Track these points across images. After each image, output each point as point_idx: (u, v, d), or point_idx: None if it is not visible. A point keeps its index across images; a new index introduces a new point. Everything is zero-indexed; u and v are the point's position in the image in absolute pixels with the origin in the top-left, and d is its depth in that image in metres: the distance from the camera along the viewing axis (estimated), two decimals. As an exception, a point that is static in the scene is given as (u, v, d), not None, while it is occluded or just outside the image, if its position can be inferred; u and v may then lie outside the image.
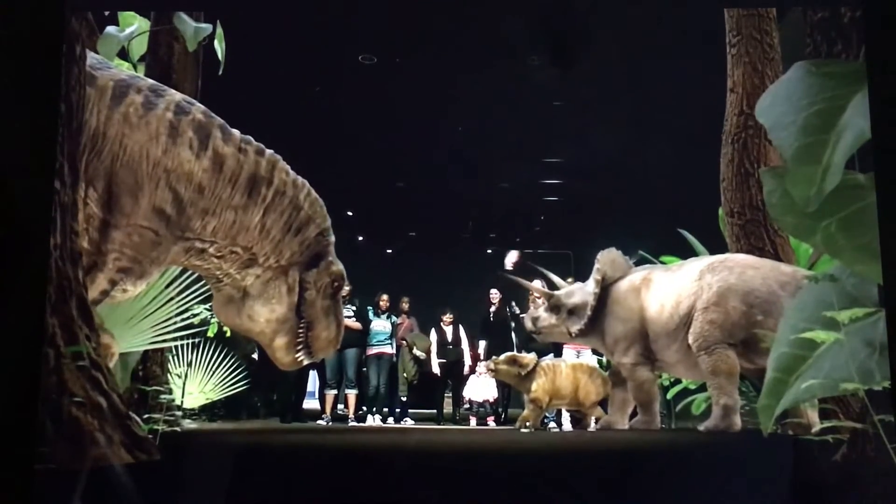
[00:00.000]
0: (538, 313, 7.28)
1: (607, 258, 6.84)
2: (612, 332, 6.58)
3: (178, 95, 4.52)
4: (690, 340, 5.89)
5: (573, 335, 6.91)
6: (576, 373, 7.19)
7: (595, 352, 8.19)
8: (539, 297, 7.67)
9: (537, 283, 7.92)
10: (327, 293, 5.01)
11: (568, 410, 7.91)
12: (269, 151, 4.69)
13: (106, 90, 4.17)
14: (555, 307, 7.12)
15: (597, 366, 7.61)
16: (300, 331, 5.00)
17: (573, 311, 6.96)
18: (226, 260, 4.69)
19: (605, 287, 6.73)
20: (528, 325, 7.39)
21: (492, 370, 7.49)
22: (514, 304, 9.45)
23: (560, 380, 7.14)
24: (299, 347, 5.04)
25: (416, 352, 9.07)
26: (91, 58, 4.02)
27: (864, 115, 2.91)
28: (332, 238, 5.06)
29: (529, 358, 7.31)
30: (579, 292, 7.03)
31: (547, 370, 7.18)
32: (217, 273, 4.80)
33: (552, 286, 7.48)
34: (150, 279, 4.53)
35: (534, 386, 7.10)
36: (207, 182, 4.40)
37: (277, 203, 4.67)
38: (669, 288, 6.22)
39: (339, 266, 5.06)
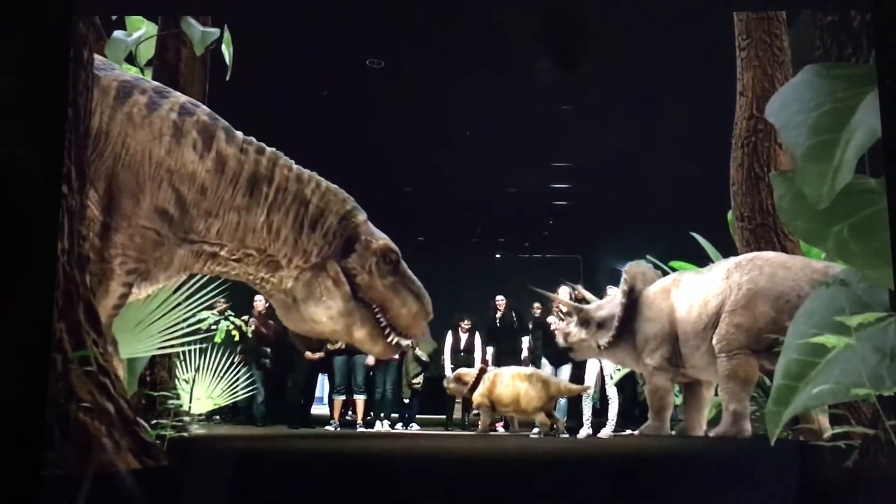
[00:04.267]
0: (569, 329, 7.16)
1: (635, 270, 6.74)
2: (643, 333, 6.45)
3: (182, 97, 4.51)
4: (714, 342, 5.75)
5: (601, 348, 6.81)
6: (515, 381, 7.54)
7: None
8: (565, 309, 7.59)
9: (564, 295, 7.82)
10: (384, 272, 4.89)
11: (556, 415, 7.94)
12: (270, 150, 4.65)
13: (109, 90, 4.18)
14: (584, 321, 7.01)
15: (540, 371, 7.87)
16: (377, 318, 4.92)
17: (602, 325, 6.86)
18: (245, 263, 4.65)
19: (636, 298, 6.64)
20: (560, 341, 7.30)
21: (445, 388, 8.29)
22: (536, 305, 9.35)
23: (500, 388, 7.58)
24: (387, 332, 4.96)
25: (419, 352, 9.02)
26: (95, 59, 4.02)
27: (875, 115, 2.90)
28: (362, 217, 4.93)
29: (471, 373, 7.97)
30: (608, 305, 6.93)
31: (487, 379, 7.74)
32: (250, 278, 4.77)
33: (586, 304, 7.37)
34: (157, 284, 4.50)
35: (475, 394, 7.75)
36: (210, 183, 4.38)
37: (280, 201, 4.61)
38: (698, 288, 6.07)
39: (379, 242, 4.92)
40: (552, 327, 7.82)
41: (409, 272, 5.08)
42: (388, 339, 5.00)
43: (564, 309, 7.56)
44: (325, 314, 4.83)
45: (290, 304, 4.88)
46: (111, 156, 4.13)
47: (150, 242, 4.21)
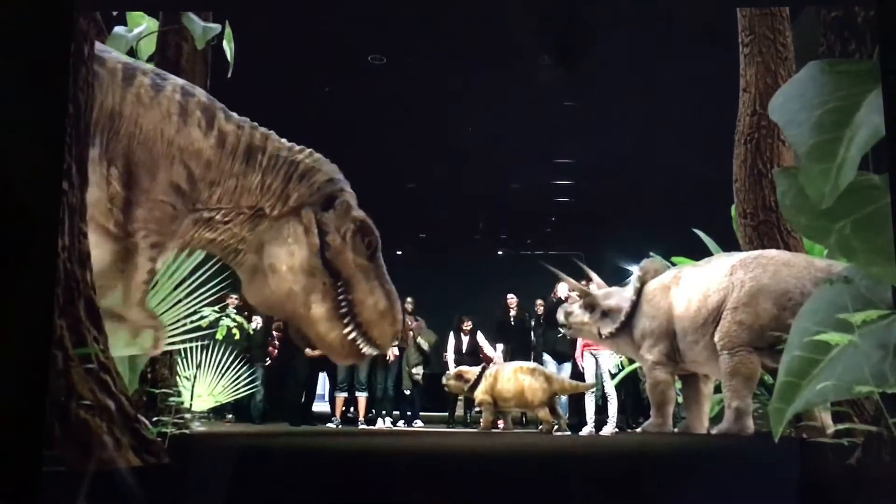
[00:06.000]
0: (572, 308, 7.20)
1: (650, 266, 6.73)
2: (641, 328, 6.45)
3: (179, 80, 4.72)
4: (716, 339, 5.73)
5: (603, 337, 6.81)
6: (517, 375, 7.57)
7: None
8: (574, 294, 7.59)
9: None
10: (359, 248, 4.93)
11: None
12: (263, 128, 4.86)
13: (116, 71, 4.32)
14: (590, 306, 7.02)
15: (542, 367, 7.91)
16: (340, 298, 4.88)
17: (607, 314, 6.86)
18: (234, 223, 4.78)
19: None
20: (560, 317, 7.32)
21: (444, 385, 8.24)
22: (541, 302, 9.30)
23: (502, 383, 7.59)
24: (347, 321, 4.90)
25: (420, 341, 8.98)
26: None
27: (879, 112, 2.88)
28: (349, 189, 5.06)
29: (473, 371, 7.93)
30: (616, 296, 6.92)
31: (488, 376, 7.73)
32: (231, 241, 4.86)
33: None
34: (165, 255, 4.63)
35: (476, 391, 7.73)
36: (213, 157, 4.58)
37: (273, 164, 4.80)
38: (698, 283, 6.06)
39: (361, 212, 4.99)
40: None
41: (387, 273, 5.11)
42: (347, 331, 4.92)
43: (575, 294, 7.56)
44: (286, 261, 4.82)
45: (257, 263, 4.88)
46: (126, 135, 4.29)
47: (167, 216, 4.39)
